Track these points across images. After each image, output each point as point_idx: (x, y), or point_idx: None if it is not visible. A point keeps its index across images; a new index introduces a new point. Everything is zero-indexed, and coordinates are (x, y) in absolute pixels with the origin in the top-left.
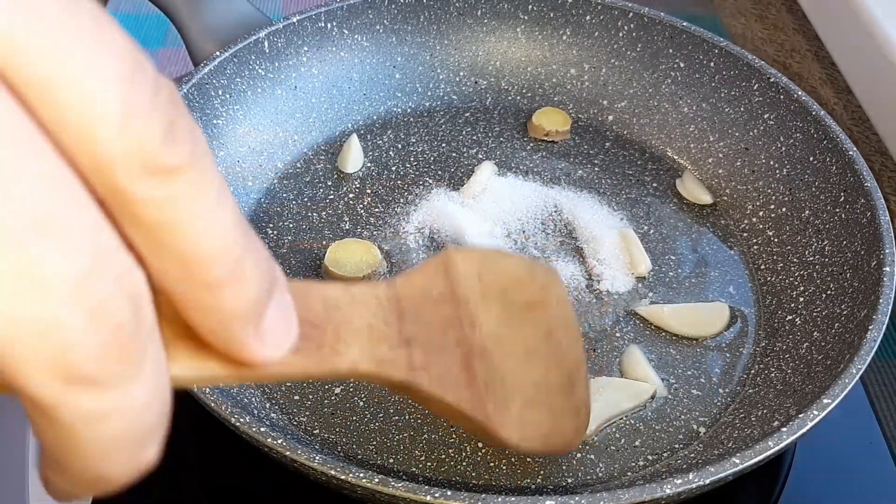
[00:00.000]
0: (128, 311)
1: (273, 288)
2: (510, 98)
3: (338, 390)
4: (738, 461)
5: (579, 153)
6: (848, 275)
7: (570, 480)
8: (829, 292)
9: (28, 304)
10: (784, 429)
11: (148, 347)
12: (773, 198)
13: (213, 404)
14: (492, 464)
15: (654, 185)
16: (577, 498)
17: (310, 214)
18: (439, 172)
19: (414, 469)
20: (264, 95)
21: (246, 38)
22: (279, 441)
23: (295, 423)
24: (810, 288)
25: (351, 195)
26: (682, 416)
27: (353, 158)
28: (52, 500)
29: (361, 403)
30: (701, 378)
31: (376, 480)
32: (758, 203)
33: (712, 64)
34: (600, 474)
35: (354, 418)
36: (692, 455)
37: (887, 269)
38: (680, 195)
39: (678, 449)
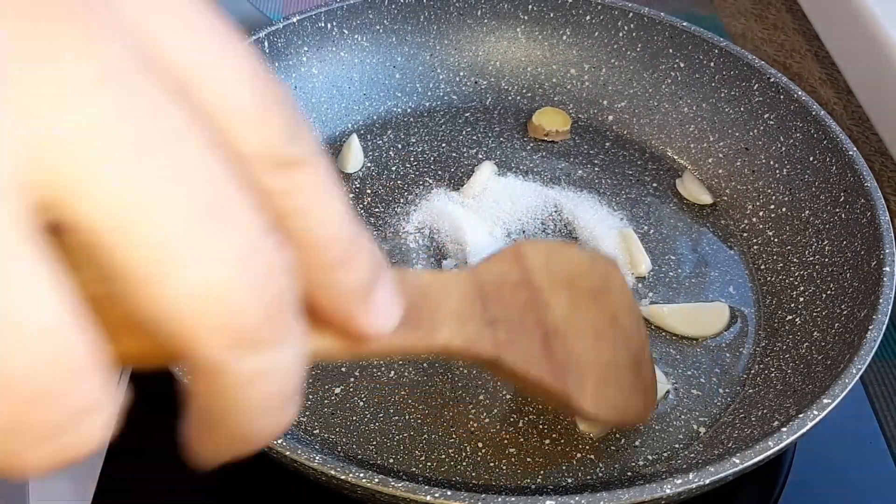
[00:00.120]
0: (283, 281)
1: (379, 269)
2: (510, 98)
3: (338, 390)
4: (738, 461)
5: (579, 153)
6: (848, 275)
7: (570, 480)
8: (829, 292)
9: (207, 273)
10: (784, 429)
11: (295, 314)
12: (773, 198)
13: None
14: (492, 464)
15: (654, 185)
16: (577, 498)
17: None
18: (439, 172)
19: (414, 469)
20: None
21: (246, 38)
22: (279, 441)
23: (295, 423)
24: (810, 288)
25: (351, 195)
26: (682, 416)
27: (353, 158)
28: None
29: (361, 403)
30: (701, 378)
31: (376, 480)
32: (758, 203)
33: (712, 64)
34: (600, 474)
35: (354, 418)
36: (692, 455)
37: (887, 269)
38: (680, 195)
39: (678, 449)
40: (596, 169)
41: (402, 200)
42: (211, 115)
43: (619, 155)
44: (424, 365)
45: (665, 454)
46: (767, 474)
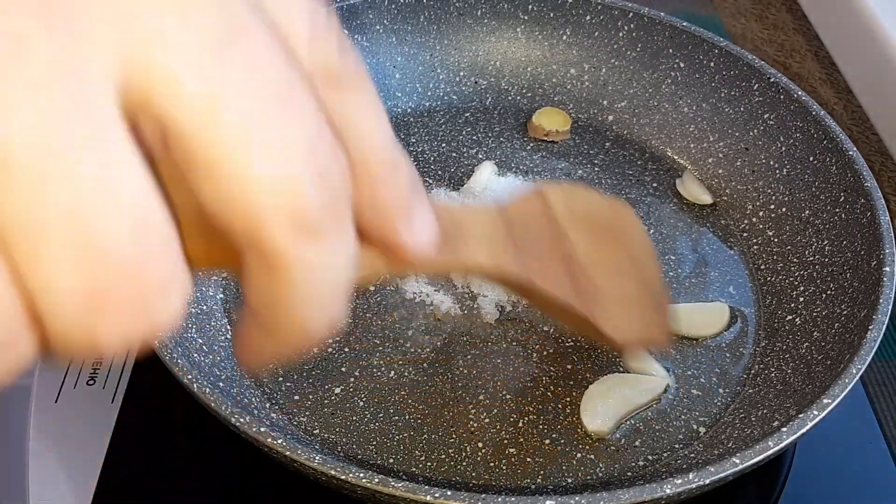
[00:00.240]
0: (341, 176)
1: (418, 189)
2: (510, 98)
3: (338, 390)
4: (738, 461)
5: (579, 153)
6: (848, 275)
7: (570, 480)
8: (829, 292)
9: (279, 157)
10: (784, 429)
11: (349, 213)
12: (773, 198)
13: (213, 404)
14: (492, 464)
15: (654, 185)
16: (577, 498)
17: None
18: (439, 172)
19: (414, 469)
20: None
21: None
22: (279, 441)
23: (295, 423)
24: (810, 288)
25: None
26: (682, 416)
27: None
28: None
29: (361, 403)
30: (701, 378)
31: (376, 480)
32: (758, 203)
33: (712, 64)
34: (600, 474)
35: (354, 418)
36: (692, 455)
37: (887, 269)
38: (680, 195)
39: (678, 449)
40: (596, 169)
41: None
42: (279, 27)
43: (619, 155)
44: (424, 365)
45: (665, 454)
46: (767, 474)
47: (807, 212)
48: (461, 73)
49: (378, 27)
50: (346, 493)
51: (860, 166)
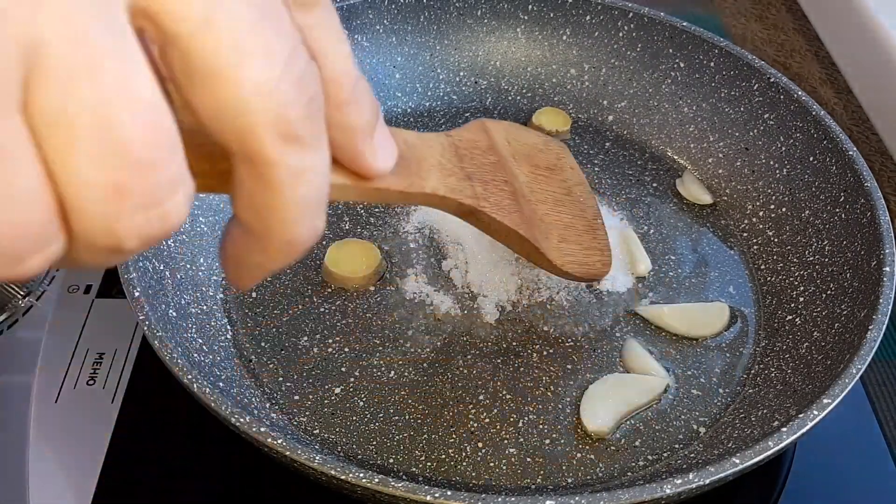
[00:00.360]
0: (316, 88)
1: (378, 113)
2: (510, 98)
3: (338, 390)
4: (738, 461)
5: (579, 153)
6: (848, 275)
7: (570, 480)
8: (829, 292)
9: (265, 66)
10: (784, 429)
11: (324, 125)
12: (773, 198)
13: (213, 404)
14: (492, 464)
15: (654, 185)
16: (577, 498)
17: None
18: None
19: (414, 469)
20: None
21: None
22: (279, 441)
23: (295, 423)
24: (810, 288)
25: None
26: (682, 416)
27: None
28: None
29: (361, 403)
30: (701, 378)
31: (376, 480)
32: (758, 203)
33: (712, 64)
34: (600, 474)
35: (354, 418)
36: (692, 455)
37: (887, 269)
38: (680, 195)
39: (678, 449)
40: (596, 169)
41: None
42: None
43: (619, 155)
44: (424, 365)
45: (665, 454)
46: (767, 474)
47: (807, 212)
48: (461, 73)
49: (378, 27)
50: (346, 493)
51: (860, 166)
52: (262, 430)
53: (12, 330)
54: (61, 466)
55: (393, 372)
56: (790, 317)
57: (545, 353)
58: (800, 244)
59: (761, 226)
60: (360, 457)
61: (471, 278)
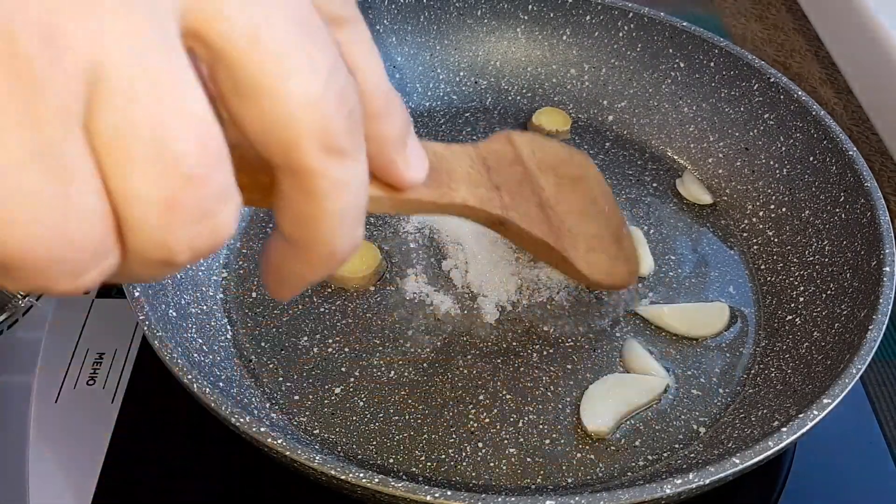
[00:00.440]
0: (355, 98)
1: (410, 125)
2: (510, 98)
3: (338, 390)
4: (738, 461)
5: None
6: (848, 275)
7: (570, 480)
8: (829, 292)
9: (308, 81)
10: (784, 429)
11: (363, 139)
12: (773, 198)
13: (213, 404)
14: (492, 464)
15: (654, 185)
16: (577, 498)
17: None
18: None
19: (414, 469)
20: None
21: None
22: (279, 441)
23: (295, 423)
24: (810, 288)
25: None
26: (682, 416)
27: None
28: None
29: (361, 403)
30: (701, 378)
31: (376, 480)
32: (758, 203)
33: (712, 64)
34: (600, 474)
35: (354, 418)
36: (692, 455)
37: (887, 269)
38: (680, 195)
39: (678, 449)
40: None
41: None
42: None
43: (619, 155)
44: (424, 365)
45: (665, 454)
46: (767, 474)
47: (807, 212)
48: (461, 73)
49: (378, 27)
50: (346, 493)
51: (860, 166)
52: (262, 430)
53: (12, 330)
54: (61, 466)
55: (393, 372)
56: (790, 317)
57: (545, 353)
58: (800, 244)
59: (761, 226)
60: (360, 457)
61: (471, 278)
